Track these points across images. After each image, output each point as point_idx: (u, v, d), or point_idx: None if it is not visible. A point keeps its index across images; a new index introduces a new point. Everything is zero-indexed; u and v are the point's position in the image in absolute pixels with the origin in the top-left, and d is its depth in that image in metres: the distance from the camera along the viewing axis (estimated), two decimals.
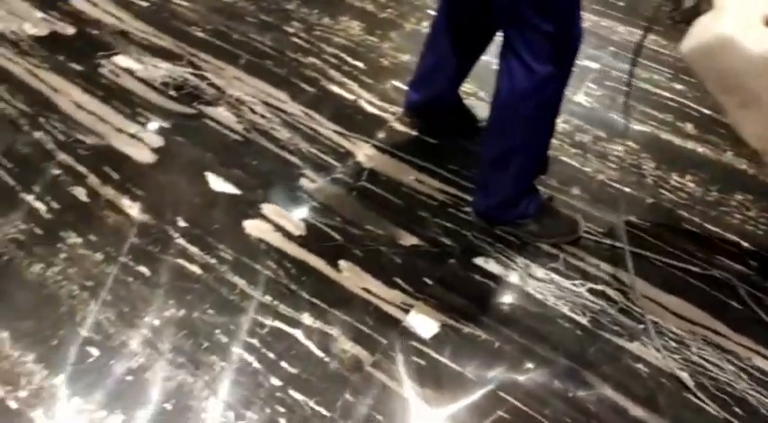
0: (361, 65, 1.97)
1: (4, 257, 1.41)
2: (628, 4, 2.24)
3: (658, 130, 1.79)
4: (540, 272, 1.42)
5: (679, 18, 1.12)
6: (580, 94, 1.88)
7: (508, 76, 1.25)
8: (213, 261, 1.42)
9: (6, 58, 1.86)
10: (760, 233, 1.53)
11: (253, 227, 1.50)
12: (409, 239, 1.48)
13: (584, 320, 1.34)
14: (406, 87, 1.83)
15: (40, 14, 2.02)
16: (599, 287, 1.41)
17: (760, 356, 1.29)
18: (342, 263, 1.43)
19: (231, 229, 1.49)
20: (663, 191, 1.62)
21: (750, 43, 0.97)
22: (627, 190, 1.62)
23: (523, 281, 1.41)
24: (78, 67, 1.86)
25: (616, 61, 1.99)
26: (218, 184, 1.59)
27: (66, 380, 1.21)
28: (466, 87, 1.77)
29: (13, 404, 1.18)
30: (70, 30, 1.98)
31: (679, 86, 1.93)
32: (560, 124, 1.76)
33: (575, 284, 1.40)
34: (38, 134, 1.66)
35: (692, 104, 1.87)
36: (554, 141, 1.73)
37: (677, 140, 1.77)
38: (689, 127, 1.80)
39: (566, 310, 1.36)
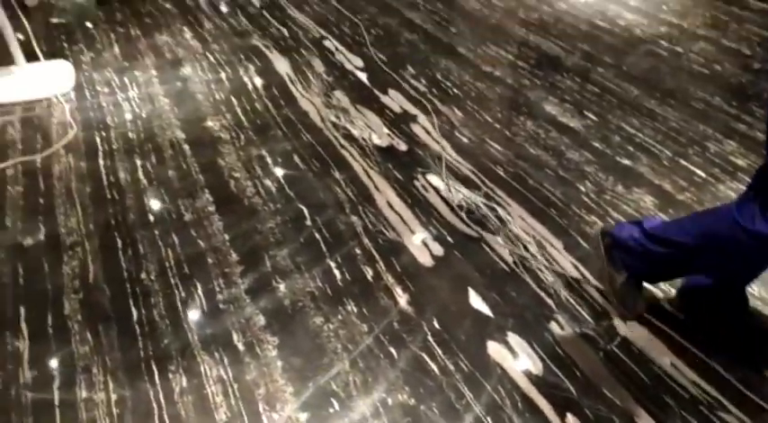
0: None
1: (299, 304, 1.78)
2: None
3: None
4: None
5: None
6: None
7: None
8: (451, 366, 1.57)
9: (353, 155, 2.42)
10: None
11: (495, 350, 1.62)
12: (646, 419, 1.42)
13: None
14: None
15: (386, 130, 2.58)
16: None
17: None
18: (569, 416, 1.44)
19: (475, 345, 1.64)
20: None
21: None
22: None
23: None
24: (400, 176, 2.30)
25: None
26: (476, 301, 1.77)
27: (307, 419, 1.46)
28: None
29: None
30: (403, 146, 2.48)
31: None
32: None
33: None
34: (354, 218, 2.09)
35: None
36: None
37: None
38: None
39: None
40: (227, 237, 2.00)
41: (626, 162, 2.37)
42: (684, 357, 1.57)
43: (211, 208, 2.12)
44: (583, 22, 3.57)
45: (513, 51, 3.27)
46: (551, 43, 3.34)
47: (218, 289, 1.82)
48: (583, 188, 2.24)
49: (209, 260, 1.91)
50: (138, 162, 2.35)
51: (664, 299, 1.76)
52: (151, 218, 2.08)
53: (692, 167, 2.34)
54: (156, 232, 2.02)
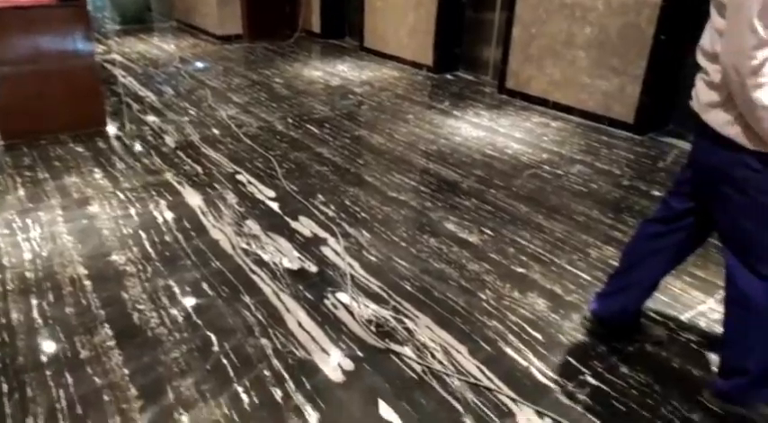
0: (539, 336, 2.13)
1: None
2: None
3: None
4: None
5: None
6: None
7: (745, 284, 1.61)
8: None
9: (263, 279, 2.46)
10: None
11: None
12: None
13: None
14: (578, 364, 1.94)
15: (296, 254, 2.67)
16: None
17: None
18: None
19: None
20: None
21: None
22: None
23: None
24: (310, 296, 2.35)
25: None
26: (386, 412, 1.77)
27: None
28: None
29: None
30: (314, 268, 2.56)
31: None
32: None
33: None
34: (263, 340, 2.09)
35: None
36: None
37: None
38: None
39: None
40: (126, 371, 1.92)
41: (520, 270, 2.57)
42: None
43: (111, 342, 2.05)
44: (476, 152, 3.98)
45: (415, 178, 3.56)
46: (449, 170, 3.68)
47: None
48: (483, 296, 2.38)
49: (106, 397, 1.81)
50: (34, 301, 2.26)
51: (561, 393, 1.84)
52: (43, 358, 1.97)
53: (578, 272, 2.56)
54: (48, 373, 1.91)
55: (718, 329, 2.15)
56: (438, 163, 3.80)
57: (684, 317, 2.25)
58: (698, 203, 1.76)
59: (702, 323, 2.21)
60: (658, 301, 2.32)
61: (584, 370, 1.96)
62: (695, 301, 2.35)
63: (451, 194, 3.33)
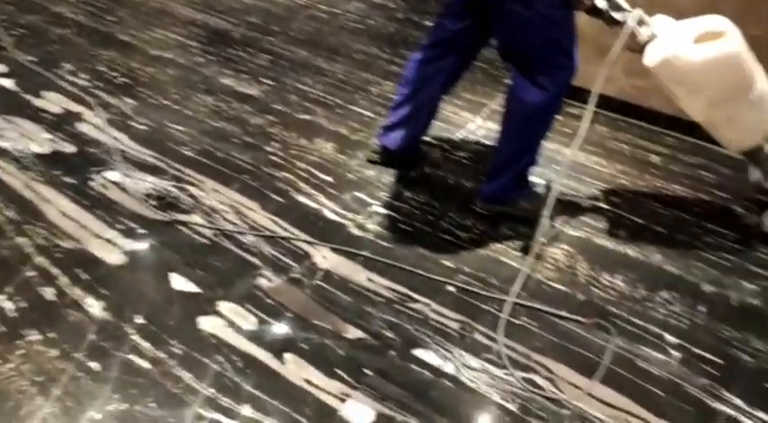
0: (329, 178, 2.15)
1: None
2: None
3: (593, 236, 1.91)
4: (474, 361, 1.47)
5: (635, 48, 1.64)
6: None
7: (525, 94, 1.72)
8: (163, 356, 1.48)
9: (7, 172, 2.07)
10: (683, 326, 1.60)
11: (207, 323, 1.58)
12: (354, 333, 1.54)
13: (513, 407, 1.36)
14: (367, 198, 2.01)
15: (47, 135, 2.27)
16: (528, 375, 1.45)
17: None
18: (287, 355, 1.48)
19: (185, 326, 1.56)
20: (594, 289, 1.70)
21: (685, 55, 1.58)
22: (561, 288, 1.71)
23: (458, 371, 1.44)
24: (71, 181, 2.05)
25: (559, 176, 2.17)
26: (180, 283, 1.69)
27: None
28: None
29: None
30: (71, 148, 2.22)
31: (615, 199, 2.07)
32: (504, 231, 1.90)
33: (506, 373, 1.44)
34: (20, 239, 1.80)
35: (624, 213, 2.01)
36: (498, 246, 1.85)
37: (610, 245, 1.87)
38: (622, 233, 1.92)
39: (497, 397, 1.38)
40: None
41: (305, 117, 2.50)
42: (375, 269, 1.74)
43: None
44: None
45: (180, 32, 3.16)
46: (218, 19, 3.32)
47: None
48: (270, 149, 2.29)
49: None
50: None
51: (353, 226, 1.92)
52: None
53: (361, 110, 2.57)
54: None
55: (486, 143, 2.36)
56: (205, 12, 3.39)
57: (456, 137, 2.42)
58: (473, 22, 1.79)
59: (472, 140, 2.41)
60: (433, 126, 2.45)
61: (372, 202, 2.04)
62: (464, 121, 2.53)
63: (224, 46, 3.03)
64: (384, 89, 2.74)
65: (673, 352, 1.53)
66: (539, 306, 1.64)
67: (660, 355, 1.52)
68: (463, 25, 1.83)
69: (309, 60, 2.95)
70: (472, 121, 2.54)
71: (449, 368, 1.45)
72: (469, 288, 1.70)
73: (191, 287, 1.68)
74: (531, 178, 1.98)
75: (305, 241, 1.85)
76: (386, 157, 2.18)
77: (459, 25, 1.84)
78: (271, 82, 2.74)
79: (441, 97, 2.04)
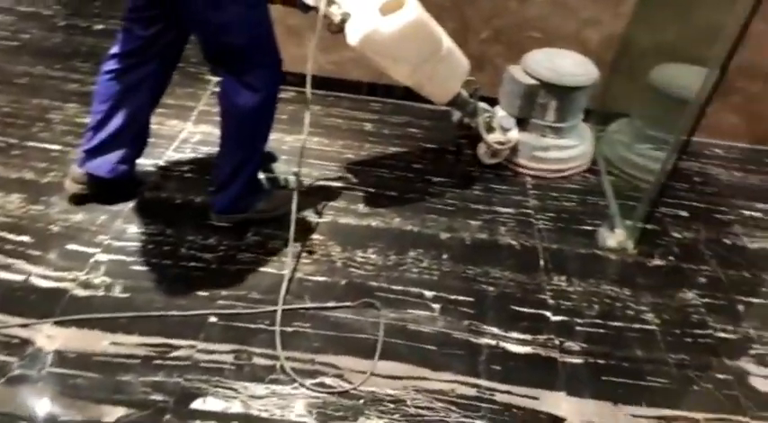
0: (26, 239, 1.76)
1: None
2: (290, 117, 2.43)
3: (337, 217, 1.95)
4: (260, 389, 1.39)
5: (335, 29, 1.68)
6: None
7: (237, 98, 1.61)
8: None
9: None
10: (435, 279, 1.74)
11: None
12: (115, 413, 1.30)
13: (312, 419, 1.33)
14: (83, 248, 1.71)
15: None
16: (317, 379, 1.42)
17: (462, 385, 1.44)
18: None
19: None
20: (352, 269, 1.74)
21: (381, 29, 1.65)
22: (322, 279, 1.71)
23: (247, 406, 1.34)
24: None
25: (290, 166, 2.15)
26: None
27: None
28: None
29: None
30: None
31: (346, 175, 2.14)
32: (250, 239, 1.82)
33: (295, 387, 1.40)
34: None
35: (358, 187, 2.09)
36: (249, 256, 1.76)
37: (353, 221, 1.94)
38: (361, 207, 2.00)
39: (294, 416, 1.33)
40: None
41: None
42: (118, 329, 1.50)
43: None
44: None
45: None
46: None
47: None
48: None
49: None
50: None
51: (75, 286, 1.61)
52: None
53: (45, 145, 2.16)
54: None
55: (204, 150, 2.20)
56: None
57: (171, 150, 2.21)
58: (166, 24, 1.61)
59: (188, 149, 2.22)
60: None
61: (90, 250, 1.73)
62: (175, 131, 2.31)
63: None
64: (68, 113, 2.34)
65: (433, 305, 1.65)
66: (307, 305, 1.61)
67: (425, 313, 1.63)
68: (155, 30, 1.64)
69: None
70: (183, 129, 2.33)
71: (236, 407, 1.33)
72: (233, 311, 1.58)
73: None
74: (259, 175, 1.91)
75: (17, 326, 1.49)
76: (95, 188, 1.87)
77: (150, 31, 1.64)
78: None
79: (151, 110, 1.83)
